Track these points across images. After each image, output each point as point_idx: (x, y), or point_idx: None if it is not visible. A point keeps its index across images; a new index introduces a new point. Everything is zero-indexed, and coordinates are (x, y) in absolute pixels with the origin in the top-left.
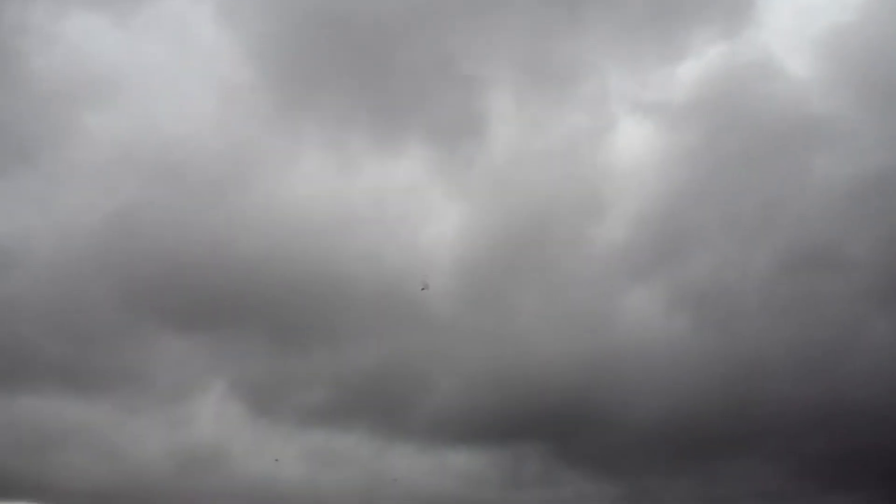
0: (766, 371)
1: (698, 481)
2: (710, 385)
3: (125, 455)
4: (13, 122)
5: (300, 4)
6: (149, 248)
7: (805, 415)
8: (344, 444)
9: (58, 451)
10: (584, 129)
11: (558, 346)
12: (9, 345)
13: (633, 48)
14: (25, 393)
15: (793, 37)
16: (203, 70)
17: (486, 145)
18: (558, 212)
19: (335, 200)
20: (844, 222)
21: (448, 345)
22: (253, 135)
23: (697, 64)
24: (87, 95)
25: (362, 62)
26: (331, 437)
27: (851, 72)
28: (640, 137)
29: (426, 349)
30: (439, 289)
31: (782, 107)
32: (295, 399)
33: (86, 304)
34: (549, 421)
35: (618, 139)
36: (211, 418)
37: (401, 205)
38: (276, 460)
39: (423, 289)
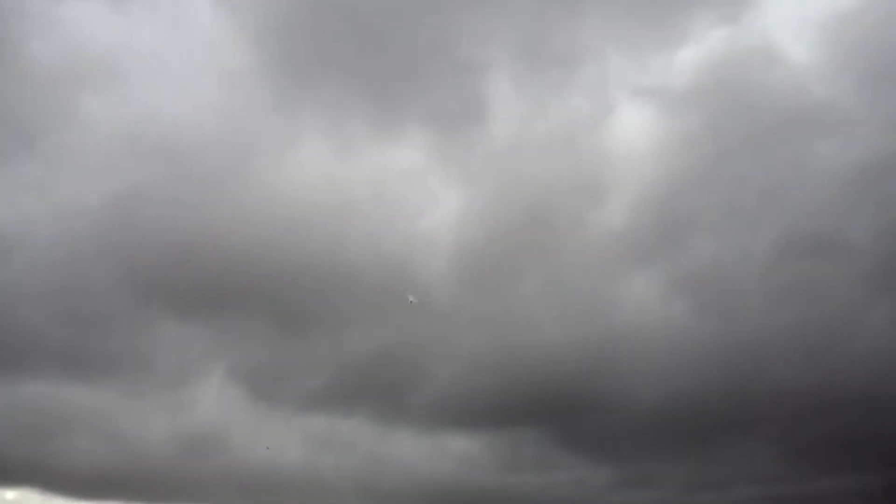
0: (764, 356)
1: (696, 465)
2: (708, 370)
3: (127, 439)
4: (12, 108)
5: None
6: (149, 234)
7: (803, 399)
8: (344, 428)
9: (60, 435)
10: (583, 115)
11: (558, 331)
12: (10, 330)
13: (633, 33)
14: (27, 378)
15: (794, 22)
16: (202, 55)
17: (485, 130)
18: (558, 197)
19: (335, 186)
20: (844, 208)
21: (447, 330)
22: (252, 120)
23: (698, 49)
24: (86, 80)
25: (361, 47)
26: (331, 421)
27: (852, 58)
28: (640, 123)
29: (426, 334)
30: (439, 273)
31: (783, 92)
32: (295, 384)
33: (86, 289)
34: (548, 405)
35: (618, 124)
36: (212, 403)
37: (400, 190)
38: (268, 448)
39: (410, 301)
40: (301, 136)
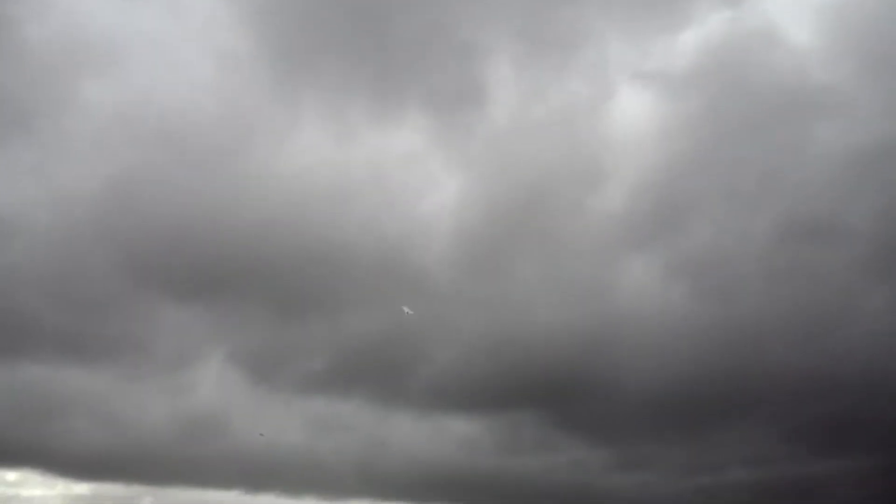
0: (763, 339)
1: (693, 447)
2: (707, 353)
3: (126, 422)
4: (10, 92)
5: None
6: (147, 217)
7: (800, 383)
8: (343, 411)
9: (60, 418)
10: (583, 98)
11: (556, 314)
12: (9, 314)
13: (633, 16)
14: (26, 361)
15: (794, 6)
16: (200, 38)
17: (485, 114)
18: (557, 181)
19: (334, 169)
20: (843, 192)
21: (447, 313)
22: (251, 103)
23: (698, 32)
24: (84, 64)
25: (360, 30)
26: (330, 404)
27: (853, 41)
28: (640, 106)
29: (425, 317)
30: (438, 257)
31: (783, 76)
32: (295, 367)
33: (85, 273)
34: (546, 388)
35: (617, 108)
36: (211, 386)
37: (400, 174)
38: (261, 434)
39: (406, 312)
40: (300, 120)
